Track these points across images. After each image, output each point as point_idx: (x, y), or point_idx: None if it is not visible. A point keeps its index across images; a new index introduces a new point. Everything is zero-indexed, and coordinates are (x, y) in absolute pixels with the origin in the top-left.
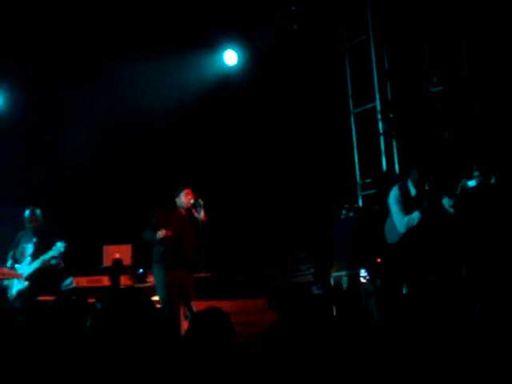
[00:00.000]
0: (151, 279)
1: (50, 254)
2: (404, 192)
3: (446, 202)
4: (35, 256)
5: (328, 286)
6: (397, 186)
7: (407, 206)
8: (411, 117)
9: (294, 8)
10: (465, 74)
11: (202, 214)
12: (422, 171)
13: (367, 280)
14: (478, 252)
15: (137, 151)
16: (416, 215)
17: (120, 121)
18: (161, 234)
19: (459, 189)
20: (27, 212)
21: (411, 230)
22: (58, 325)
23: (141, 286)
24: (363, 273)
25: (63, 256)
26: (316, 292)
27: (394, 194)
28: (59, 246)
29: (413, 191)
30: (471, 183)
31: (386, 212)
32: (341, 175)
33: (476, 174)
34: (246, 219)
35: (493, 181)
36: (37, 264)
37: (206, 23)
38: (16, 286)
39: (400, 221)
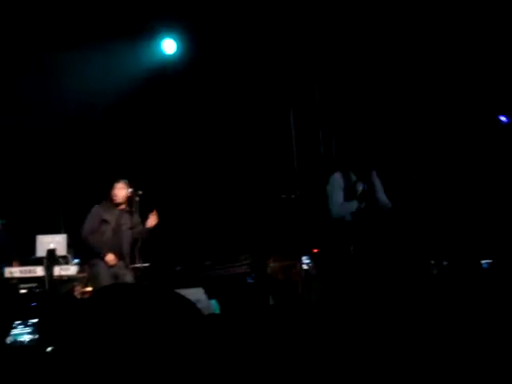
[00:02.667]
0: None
1: None
2: (344, 177)
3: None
4: None
5: (264, 275)
6: (336, 173)
7: (347, 191)
8: (350, 107)
9: None
10: None
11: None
12: (358, 158)
13: (309, 266)
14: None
15: (73, 141)
16: (355, 204)
17: (57, 110)
18: (110, 260)
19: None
20: None
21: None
22: None
23: (76, 276)
24: (305, 259)
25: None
26: (250, 281)
27: (333, 180)
28: None
29: (353, 177)
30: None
31: (324, 201)
32: (279, 165)
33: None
34: (183, 209)
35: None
36: None
37: (144, 11)
38: None
39: (339, 205)
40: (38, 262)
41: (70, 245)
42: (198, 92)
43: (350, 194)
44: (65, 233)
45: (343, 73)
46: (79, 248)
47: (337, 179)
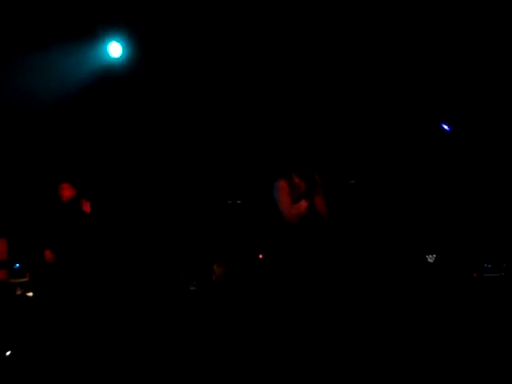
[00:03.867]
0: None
1: None
2: (287, 181)
3: None
4: None
5: (207, 281)
6: (280, 177)
7: (292, 194)
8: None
9: None
10: None
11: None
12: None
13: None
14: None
15: (15, 142)
16: (303, 204)
17: None
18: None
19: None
20: None
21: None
22: None
23: (17, 281)
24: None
25: None
26: (192, 289)
27: (278, 185)
28: None
29: (297, 180)
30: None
31: (270, 207)
32: (224, 170)
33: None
34: (127, 214)
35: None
36: None
37: (91, 14)
38: None
39: (289, 207)
40: None
41: (11, 249)
42: (143, 95)
43: (295, 196)
44: (5, 237)
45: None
46: (20, 252)
47: (281, 184)
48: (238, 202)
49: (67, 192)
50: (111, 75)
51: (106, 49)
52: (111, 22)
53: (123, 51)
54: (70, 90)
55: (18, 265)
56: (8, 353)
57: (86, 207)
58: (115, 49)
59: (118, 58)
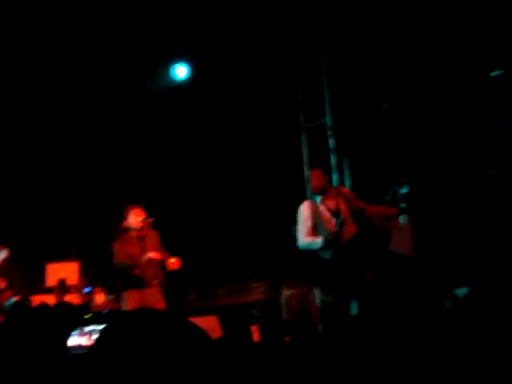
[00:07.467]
0: (101, 298)
1: None
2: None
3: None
4: None
5: (272, 306)
6: (305, 202)
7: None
8: (362, 132)
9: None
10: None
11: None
12: None
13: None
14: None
15: (80, 165)
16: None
17: (66, 135)
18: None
19: (389, 196)
20: None
21: None
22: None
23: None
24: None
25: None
26: (256, 314)
27: (301, 210)
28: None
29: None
30: (403, 190)
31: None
32: (291, 191)
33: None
34: (196, 235)
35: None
36: None
37: (157, 38)
38: None
39: (303, 238)
40: (49, 291)
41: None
42: (210, 114)
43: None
44: (78, 260)
45: (357, 97)
46: (93, 276)
47: (304, 209)
48: None
49: (139, 216)
50: (178, 97)
51: (173, 71)
52: (178, 47)
53: (189, 73)
54: (139, 112)
55: (88, 289)
56: None
57: (174, 265)
58: (182, 71)
59: (184, 80)
